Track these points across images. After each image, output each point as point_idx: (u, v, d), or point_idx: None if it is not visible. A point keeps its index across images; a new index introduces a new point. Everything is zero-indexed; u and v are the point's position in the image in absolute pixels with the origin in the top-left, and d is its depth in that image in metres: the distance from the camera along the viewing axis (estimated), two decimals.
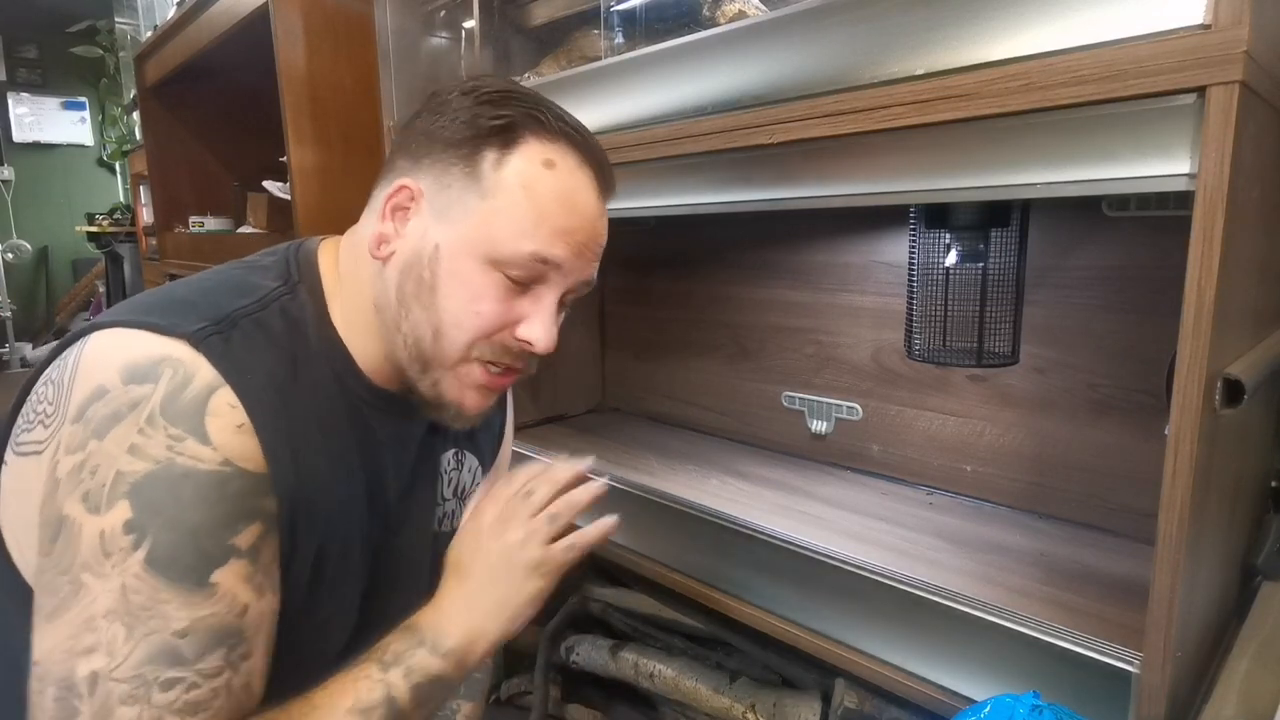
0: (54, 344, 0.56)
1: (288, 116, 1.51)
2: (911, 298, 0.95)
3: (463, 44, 1.46)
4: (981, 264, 0.89)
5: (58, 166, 5.17)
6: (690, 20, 1.10)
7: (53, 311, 5.21)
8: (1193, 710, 0.67)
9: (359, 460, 0.62)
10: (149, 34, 2.52)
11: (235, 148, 2.40)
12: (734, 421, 1.41)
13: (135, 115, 3.06)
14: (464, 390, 0.61)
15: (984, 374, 1.06)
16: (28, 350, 4.87)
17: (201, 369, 0.51)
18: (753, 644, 1.02)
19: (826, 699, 0.94)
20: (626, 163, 0.98)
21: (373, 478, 0.63)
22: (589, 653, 1.18)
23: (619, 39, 1.18)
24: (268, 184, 1.88)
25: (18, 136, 4.99)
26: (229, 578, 0.50)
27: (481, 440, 0.80)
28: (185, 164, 2.39)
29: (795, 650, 0.92)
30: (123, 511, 0.48)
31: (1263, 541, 0.86)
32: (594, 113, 1.02)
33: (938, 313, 0.92)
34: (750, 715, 0.99)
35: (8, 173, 4.93)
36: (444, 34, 1.46)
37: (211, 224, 2.23)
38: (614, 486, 1.12)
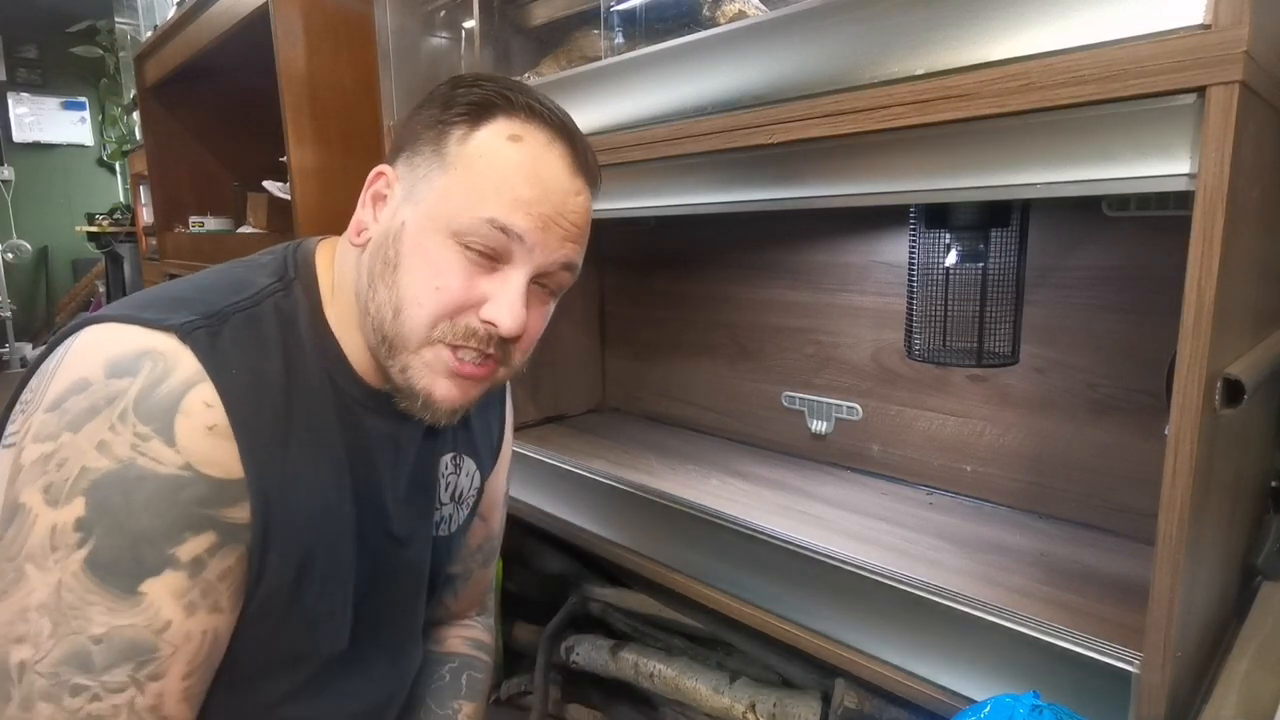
0: (50, 340, 0.56)
1: (288, 116, 1.51)
2: (911, 298, 0.95)
3: (463, 44, 1.46)
4: (981, 264, 0.89)
5: (58, 166, 5.17)
6: (690, 20, 1.10)
7: (53, 311, 5.21)
8: (1193, 710, 0.67)
9: (349, 461, 0.61)
10: (149, 34, 2.52)
11: (235, 148, 2.40)
12: (734, 421, 1.41)
13: (135, 115, 3.06)
14: (433, 378, 0.58)
15: (984, 374, 1.06)
16: (28, 350, 4.87)
17: (183, 362, 0.51)
18: (753, 644, 1.02)
19: (826, 699, 0.94)
20: (626, 163, 0.98)
21: (365, 479, 0.63)
22: (589, 653, 1.18)
23: (619, 39, 1.18)
24: (268, 184, 1.88)
25: (18, 136, 4.99)
26: (158, 590, 0.49)
27: (480, 445, 0.80)
28: (185, 164, 2.39)
29: (795, 650, 0.92)
30: (77, 508, 0.48)
31: (1263, 541, 0.86)
32: (594, 113, 1.02)
33: (938, 313, 0.92)
34: (750, 715, 0.99)
35: (8, 173, 4.93)
36: (444, 34, 1.46)
37: (211, 224, 2.23)
38: (614, 486, 1.12)
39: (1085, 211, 0.94)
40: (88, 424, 0.49)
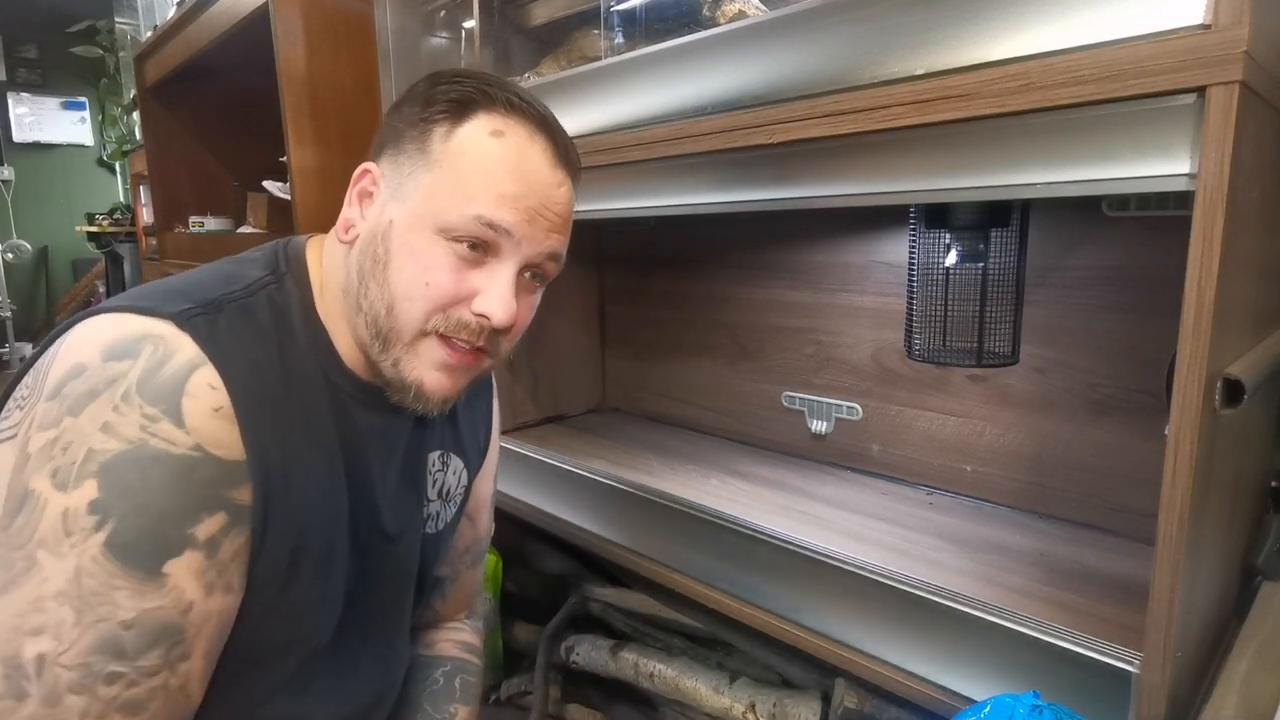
0: (46, 338, 0.56)
1: (287, 116, 1.51)
2: (911, 298, 0.95)
3: (463, 44, 1.46)
4: (981, 264, 0.89)
5: (58, 166, 5.17)
6: (690, 20, 1.10)
7: (53, 311, 5.21)
8: (1193, 710, 0.67)
9: (341, 453, 0.62)
10: (149, 34, 2.52)
11: (235, 148, 2.40)
12: (734, 421, 1.41)
13: (135, 115, 3.06)
14: (425, 370, 0.60)
15: (984, 374, 1.06)
16: (28, 350, 4.86)
17: (184, 346, 0.51)
18: (753, 644, 1.02)
19: (826, 699, 0.94)
20: (626, 163, 0.98)
21: (356, 471, 0.63)
22: (589, 653, 1.18)
23: (619, 39, 1.18)
24: (268, 184, 1.88)
25: (18, 136, 4.99)
26: (181, 570, 0.49)
27: (467, 444, 0.80)
28: (185, 164, 2.39)
29: (795, 650, 0.92)
30: (89, 491, 0.48)
31: (1263, 541, 0.86)
32: (594, 113, 1.02)
33: (938, 313, 0.92)
34: (750, 715, 0.99)
35: (8, 173, 4.93)
36: (444, 34, 1.46)
37: (211, 224, 2.23)
38: (614, 486, 1.12)
39: (1085, 211, 0.94)
40: (88, 406, 0.49)
